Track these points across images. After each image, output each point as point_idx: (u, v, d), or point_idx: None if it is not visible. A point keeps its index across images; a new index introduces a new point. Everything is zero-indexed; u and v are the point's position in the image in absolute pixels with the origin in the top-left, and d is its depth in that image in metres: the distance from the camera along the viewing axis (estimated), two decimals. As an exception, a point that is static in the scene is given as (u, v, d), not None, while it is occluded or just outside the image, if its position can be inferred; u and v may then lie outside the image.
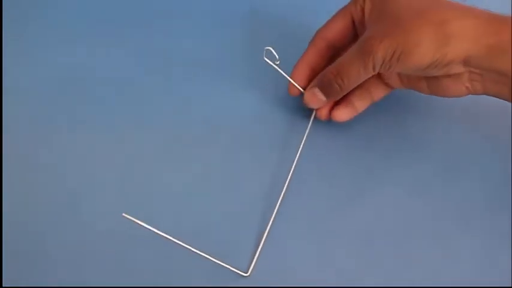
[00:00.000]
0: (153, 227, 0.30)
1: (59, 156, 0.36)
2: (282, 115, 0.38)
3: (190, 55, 0.42)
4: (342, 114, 0.35)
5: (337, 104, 0.36)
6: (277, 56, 0.34)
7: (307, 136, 0.35)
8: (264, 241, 0.31)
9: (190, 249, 0.30)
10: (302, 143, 0.34)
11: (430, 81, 0.33)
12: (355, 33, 0.35)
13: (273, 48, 0.34)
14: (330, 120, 0.36)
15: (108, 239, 0.32)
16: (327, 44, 0.35)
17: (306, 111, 0.36)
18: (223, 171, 0.35)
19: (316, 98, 0.34)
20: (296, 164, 0.34)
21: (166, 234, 0.30)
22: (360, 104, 0.35)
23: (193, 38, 0.43)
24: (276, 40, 0.43)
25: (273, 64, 0.34)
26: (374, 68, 0.31)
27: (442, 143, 0.36)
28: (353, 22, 0.34)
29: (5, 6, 0.45)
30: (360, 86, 0.35)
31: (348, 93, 0.35)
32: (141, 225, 0.29)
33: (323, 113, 0.35)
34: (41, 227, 0.33)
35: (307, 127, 0.35)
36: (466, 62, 0.30)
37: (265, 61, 0.34)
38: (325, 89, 0.34)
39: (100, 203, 0.34)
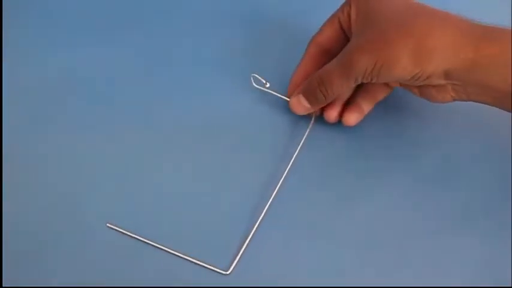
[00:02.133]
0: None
1: (58, 157, 0.36)
2: (282, 115, 0.38)
3: (191, 55, 0.42)
4: (353, 118, 0.35)
5: (346, 107, 0.36)
6: (264, 81, 0.36)
7: (305, 139, 0.35)
8: (249, 241, 0.31)
9: (178, 255, 0.31)
10: (300, 146, 0.35)
11: (419, 87, 0.33)
12: (345, 37, 0.35)
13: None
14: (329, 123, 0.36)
15: (108, 239, 0.32)
16: (320, 49, 0.35)
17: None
18: (222, 171, 0.35)
19: (301, 105, 0.35)
20: (292, 166, 0.34)
21: (153, 241, 0.31)
22: (366, 105, 0.36)
23: (194, 38, 0.43)
24: (277, 41, 0.43)
25: (263, 88, 0.36)
26: (356, 80, 0.31)
27: (441, 143, 0.36)
28: (342, 28, 0.34)
29: (5, 6, 0.45)
30: (364, 88, 0.35)
31: (353, 96, 0.35)
32: (124, 233, 0.31)
33: (332, 116, 0.36)
34: (41, 227, 0.33)
35: (306, 128, 0.35)
36: (446, 76, 0.30)
37: (255, 87, 0.36)
38: (310, 97, 0.34)
39: (100, 203, 0.34)
